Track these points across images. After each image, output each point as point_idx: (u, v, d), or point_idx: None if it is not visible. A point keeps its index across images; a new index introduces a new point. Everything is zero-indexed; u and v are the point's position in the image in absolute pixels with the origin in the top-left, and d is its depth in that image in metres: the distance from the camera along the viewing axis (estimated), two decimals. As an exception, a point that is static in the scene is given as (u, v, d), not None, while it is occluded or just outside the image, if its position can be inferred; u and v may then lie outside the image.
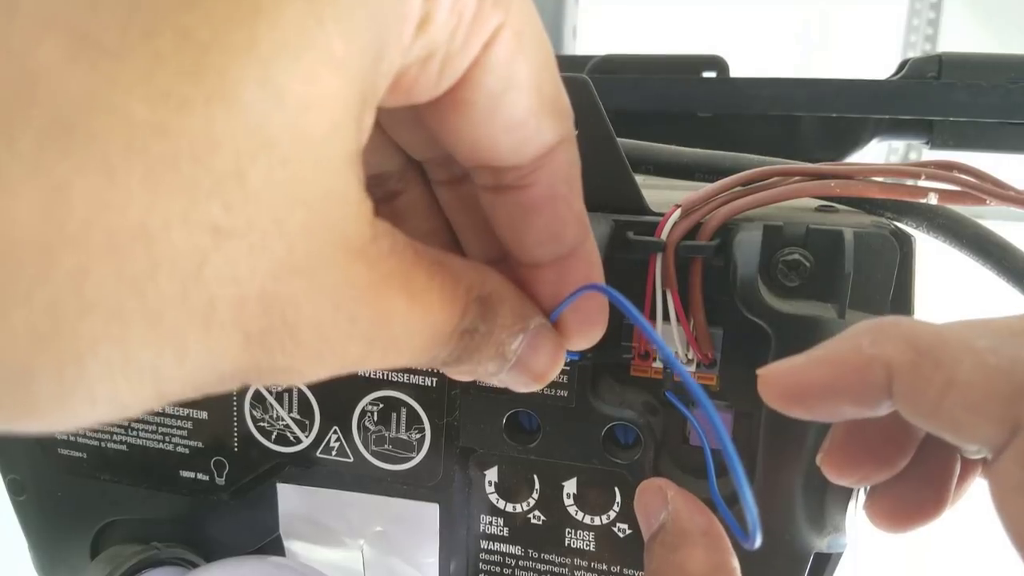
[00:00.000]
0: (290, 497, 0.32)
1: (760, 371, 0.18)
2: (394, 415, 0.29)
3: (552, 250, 0.18)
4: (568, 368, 0.27)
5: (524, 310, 0.18)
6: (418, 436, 0.29)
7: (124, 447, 0.33)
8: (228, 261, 0.11)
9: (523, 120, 0.15)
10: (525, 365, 0.18)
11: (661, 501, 0.21)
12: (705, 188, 0.26)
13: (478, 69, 0.14)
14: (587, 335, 0.19)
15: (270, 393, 0.30)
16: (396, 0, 0.12)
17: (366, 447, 0.30)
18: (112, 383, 0.11)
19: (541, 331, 0.18)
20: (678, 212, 0.25)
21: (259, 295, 0.12)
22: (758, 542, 0.17)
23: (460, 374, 0.18)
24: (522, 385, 0.19)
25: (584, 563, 0.30)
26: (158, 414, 0.32)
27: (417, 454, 0.30)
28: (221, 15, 0.11)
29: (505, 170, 0.17)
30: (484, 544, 0.31)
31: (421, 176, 0.20)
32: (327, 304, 0.13)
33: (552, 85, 0.16)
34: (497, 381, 0.18)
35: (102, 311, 0.11)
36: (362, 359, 0.14)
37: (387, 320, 0.14)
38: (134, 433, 0.33)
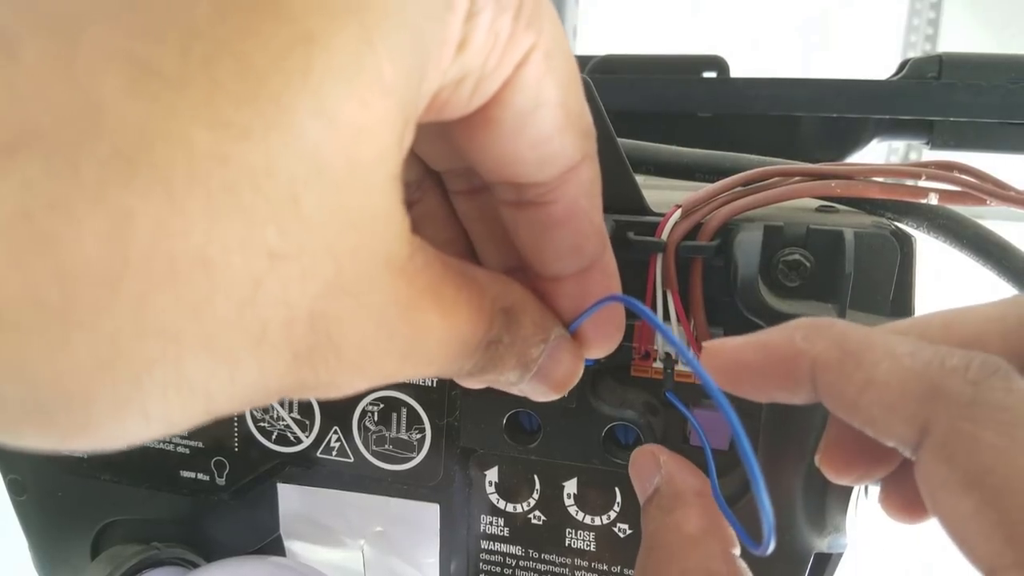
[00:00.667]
0: (290, 497, 0.32)
1: (705, 343, 0.18)
2: (394, 415, 0.29)
3: (572, 263, 0.18)
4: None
5: (545, 321, 0.18)
6: (418, 436, 0.29)
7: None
8: (281, 284, 0.12)
9: (548, 137, 0.16)
10: (545, 375, 0.19)
11: (654, 465, 0.22)
12: (705, 188, 0.26)
13: (508, 89, 0.15)
14: (605, 345, 0.20)
15: (270, 393, 0.30)
16: (438, 23, 0.13)
17: (366, 447, 0.30)
18: (165, 403, 0.11)
19: (561, 342, 0.19)
20: (678, 212, 0.25)
21: (308, 315, 0.12)
22: (771, 548, 0.17)
23: (480, 383, 0.18)
24: (541, 394, 0.19)
25: (584, 563, 0.30)
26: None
27: (417, 454, 0.30)
28: (277, 42, 0.11)
29: (528, 186, 0.17)
30: (484, 544, 0.31)
31: (438, 186, 0.20)
32: (370, 321, 0.13)
33: (577, 103, 0.16)
34: (517, 390, 0.19)
35: (160, 335, 0.11)
36: (396, 373, 0.15)
37: (422, 334, 0.15)
38: (134, 433, 0.33)
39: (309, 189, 0.11)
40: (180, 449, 0.32)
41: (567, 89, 0.16)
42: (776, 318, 0.25)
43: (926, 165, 0.25)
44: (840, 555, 0.27)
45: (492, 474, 0.30)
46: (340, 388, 0.14)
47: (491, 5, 0.13)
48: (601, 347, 0.20)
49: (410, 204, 0.20)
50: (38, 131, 0.10)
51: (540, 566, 0.30)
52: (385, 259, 0.13)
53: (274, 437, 0.31)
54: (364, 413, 0.30)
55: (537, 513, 0.30)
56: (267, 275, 0.11)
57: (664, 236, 0.25)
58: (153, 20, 0.10)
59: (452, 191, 0.20)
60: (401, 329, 0.14)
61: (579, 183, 0.17)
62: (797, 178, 0.26)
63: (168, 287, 0.11)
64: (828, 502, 0.26)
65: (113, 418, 0.11)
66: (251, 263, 0.11)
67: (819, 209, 0.29)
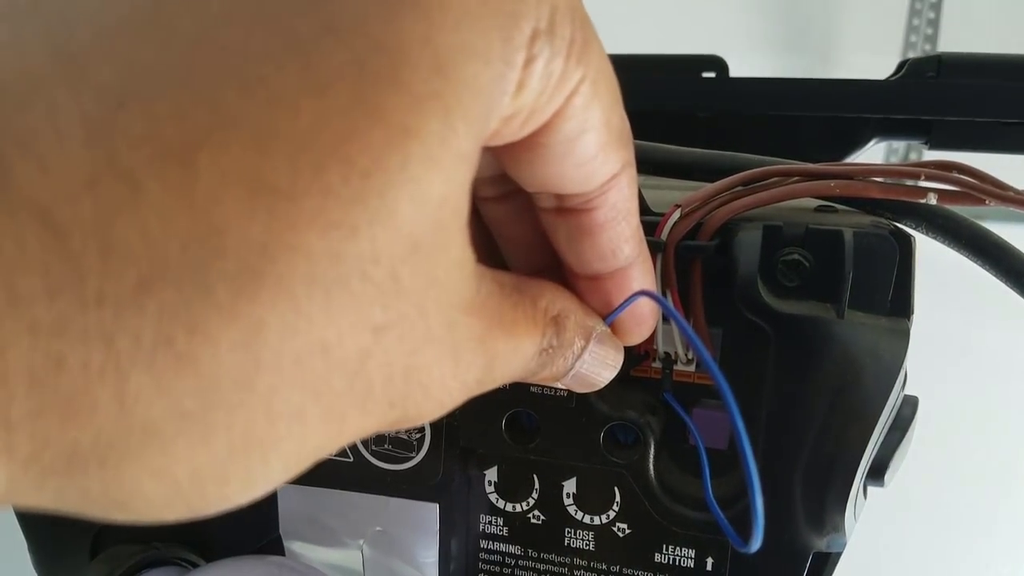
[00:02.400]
0: (290, 497, 0.32)
1: None
2: (394, 415, 0.29)
3: (611, 264, 0.19)
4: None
5: (587, 320, 0.19)
6: (418, 436, 0.29)
7: (124, 447, 0.33)
8: (383, 350, 0.13)
9: (594, 156, 0.16)
10: (589, 371, 0.19)
11: None
12: (705, 188, 0.26)
13: (557, 118, 0.15)
14: (639, 335, 0.21)
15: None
16: (501, 79, 0.13)
17: (366, 447, 0.30)
18: (287, 469, 0.13)
19: (603, 338, 0.19)
20: (678, 212, 0.25)
21: (403, 370, 0.13)
22: (756, 546, 0.17)
23: (524, 382, 0.19)
24: (584, 387, 0.20)
25: (584, 563, 0.30)
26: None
27: (417, 454, 0.30)
28: (377, 141, 0.11)
29: (570, 196, 0.17)
30: (484, 544, 0.31)
31: None
32: (452, 362, 0.15)
33: (619, 118, 0.17)
34: (561, 384, 0.19)
35: (287, 417, 0.12)
36: (469, 396, 0.16)
37: (493, 360, 0.16)
38: (134, 433, 0.33)
39: (406, 265, 0.12)
40: (180, 449, 0.32)
41: (611, 107, 0.16)
42: (775, 318, 0.25)
43: (925, 165, 0.25)
44: (839, 554, 0.27)
45: (492, 474, 0.30)
46: (424, 420, 0.15)
47: (545, 51, 0.14)
48: (635, 338, 0.21)
49: None
50: (168, 261, 0.10)
51: (539, 565, 0.30)
52: (460, 301, 0.14)
53: (274, 437, 0.31)
54: (363, 413, 0.30)
55: (536, 513, 0.30)
56: (373, 347, 0.12)
57: (663, 236, 0.25)
58: (261, 136, 0.11)
59: (480, 197, 0.20)
60: (477, 360, 0.15)
61: (620, 189, 0.18)
62: (796, 178, 0.26)
63: (293, 378, 0.11)
64: (827, 501, 0.26)
65: (243, 492, 0.12)
66: (360, 340, 0.12)
67: (818, 209, 0.29)
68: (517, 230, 0.20)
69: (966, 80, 0.37)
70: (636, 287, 0.19)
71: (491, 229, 0.21)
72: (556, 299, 0.18)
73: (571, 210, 0.18)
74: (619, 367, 0.20)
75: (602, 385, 0.20)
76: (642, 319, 0.20)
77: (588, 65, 0.15)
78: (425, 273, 0.13)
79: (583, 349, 0.19)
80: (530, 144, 0.16)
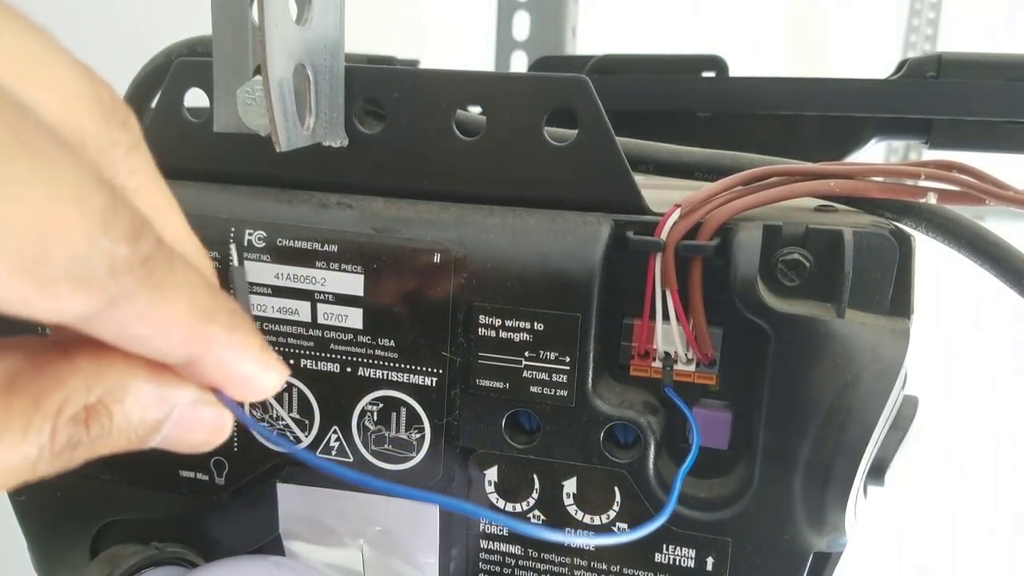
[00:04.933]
0: (290, 497, 0.32)
1: None
2: (394, 415, 0.29)
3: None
4: (567, 367, 0.27)
5: (163, 393, 0.15)
6: (418, 436, 0.29)
7: (124, 447, 0.33)
8: None
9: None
10: (182, 436, 0.16)
11: None
12: (705, 188, 0.26)
13: None
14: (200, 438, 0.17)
15: (270, 393, 0.30)
16: None
17: (366, 447, 0.30)
18: None
19: (195, 405, 0.16)
20: (678, 212, 0.25)
21: None
22: None
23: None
24: (185, 449, 0.17)
25: (584, 563, 0.30)
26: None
27: (417, 454, 0.30)
28: None
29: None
30: (484, 543, 0.31)
31: None
32: None
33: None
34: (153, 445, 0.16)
35: None
36: None
37: None
38: (134, 433, 0.33)
39: None
40: (179, 449, 0.32)
41: None
42: (775, 318, 0.25)
43: (925, 164, 0.25)
44: (839, 554, 0.27)
45: (491, 473, 0.30)
46: None
47: None
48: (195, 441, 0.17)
49: None
50: None
51: (539, 565, 0.30)
52: None
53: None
54: (363, 413, 0.30)
55: (536, 512, 0.30)
56: None
57: (663, 236, 0.25)
58: None
59: None
60: None
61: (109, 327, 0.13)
62: (796, 177, 0.26)
63: None
64: (827, 501, 0.26)
65: None
66: None
67: (818, 209, 0.29)
68: None
69: (966, 80, 0.37)
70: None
71: None
72: (94, 384, 0.14)
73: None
74: (226, 427, 0.17)
75: (211, 447, 0.16)
76: (197, 425, 0.16)
77: None
78: None
79: (164, 418, 0.15)
80: None
